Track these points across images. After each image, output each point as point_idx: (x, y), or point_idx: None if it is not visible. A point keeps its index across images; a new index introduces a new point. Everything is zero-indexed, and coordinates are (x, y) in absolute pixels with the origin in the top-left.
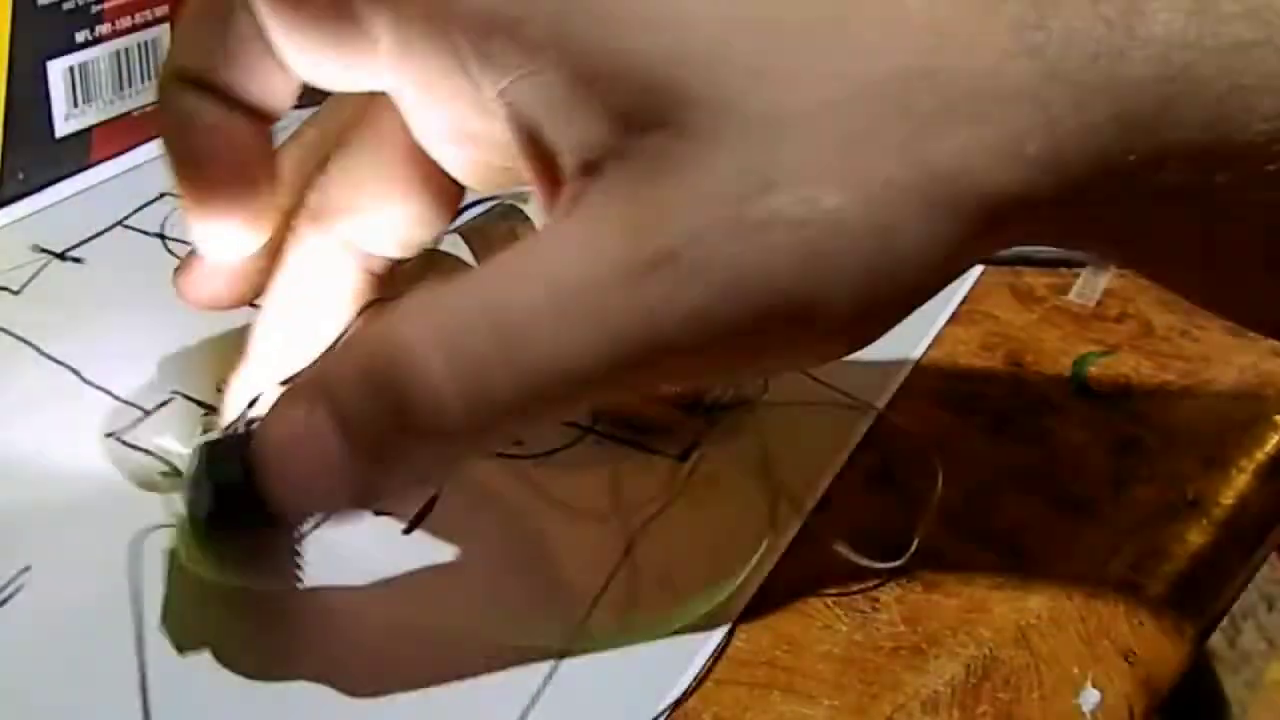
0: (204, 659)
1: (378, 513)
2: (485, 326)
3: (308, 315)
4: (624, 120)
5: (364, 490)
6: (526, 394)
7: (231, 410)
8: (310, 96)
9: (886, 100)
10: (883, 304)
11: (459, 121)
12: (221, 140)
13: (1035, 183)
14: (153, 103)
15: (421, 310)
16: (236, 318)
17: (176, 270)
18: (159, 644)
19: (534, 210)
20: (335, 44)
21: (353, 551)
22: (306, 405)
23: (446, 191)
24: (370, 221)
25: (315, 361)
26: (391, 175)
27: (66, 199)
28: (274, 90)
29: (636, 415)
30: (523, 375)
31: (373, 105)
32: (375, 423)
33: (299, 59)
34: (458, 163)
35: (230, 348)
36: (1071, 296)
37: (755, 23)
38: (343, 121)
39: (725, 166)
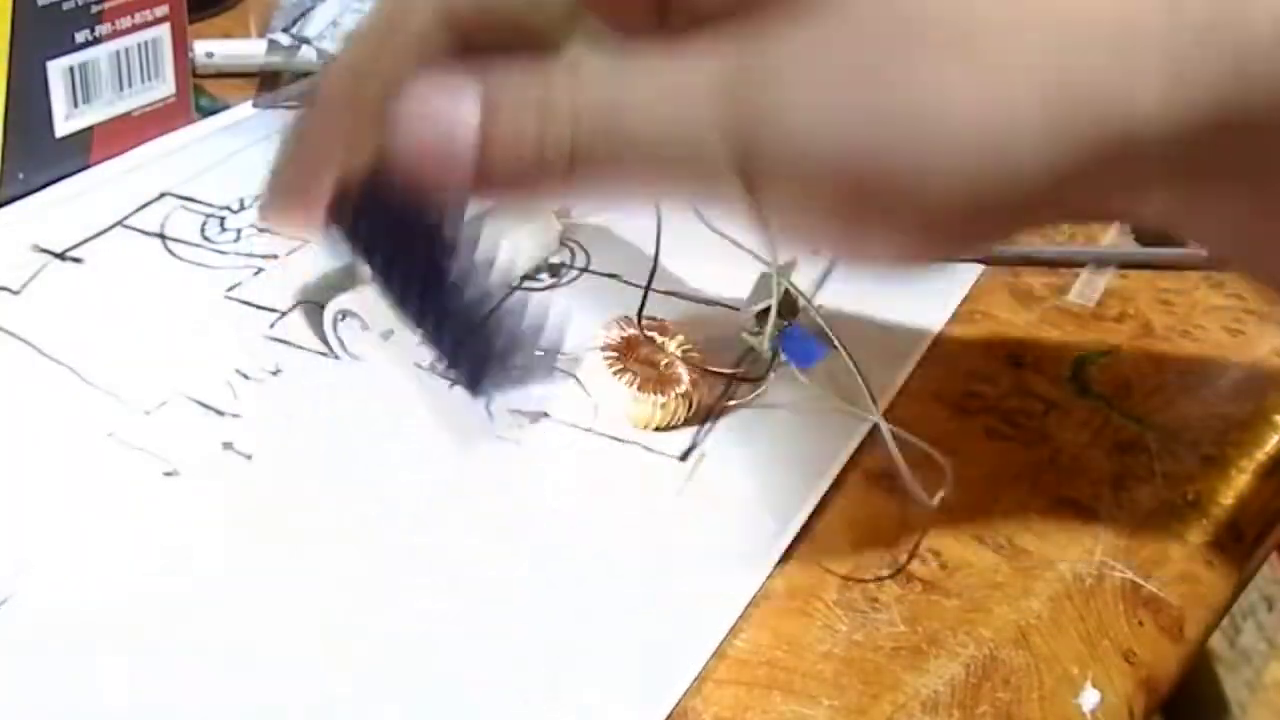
0: None
1: (377, 511)
2: (609, 103)
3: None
4: None
5: (475, 175)
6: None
7: None
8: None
9: (1031, 8)
10: (986, 201)
11: None
12: None
13: (1151, 124)
14: (153, 103)
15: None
16: (233, 320)
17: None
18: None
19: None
20: None
21: (352, 550)
22: (452, 91)
23: None
24: None
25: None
26: None
27: (66, 199)
28: None
29: (636, 415)
30: (620, 132)
31: None
32: (513, 129)
33: None
34: None
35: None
36: (1071, 297)
37: None
38: None
39: (850, 25)
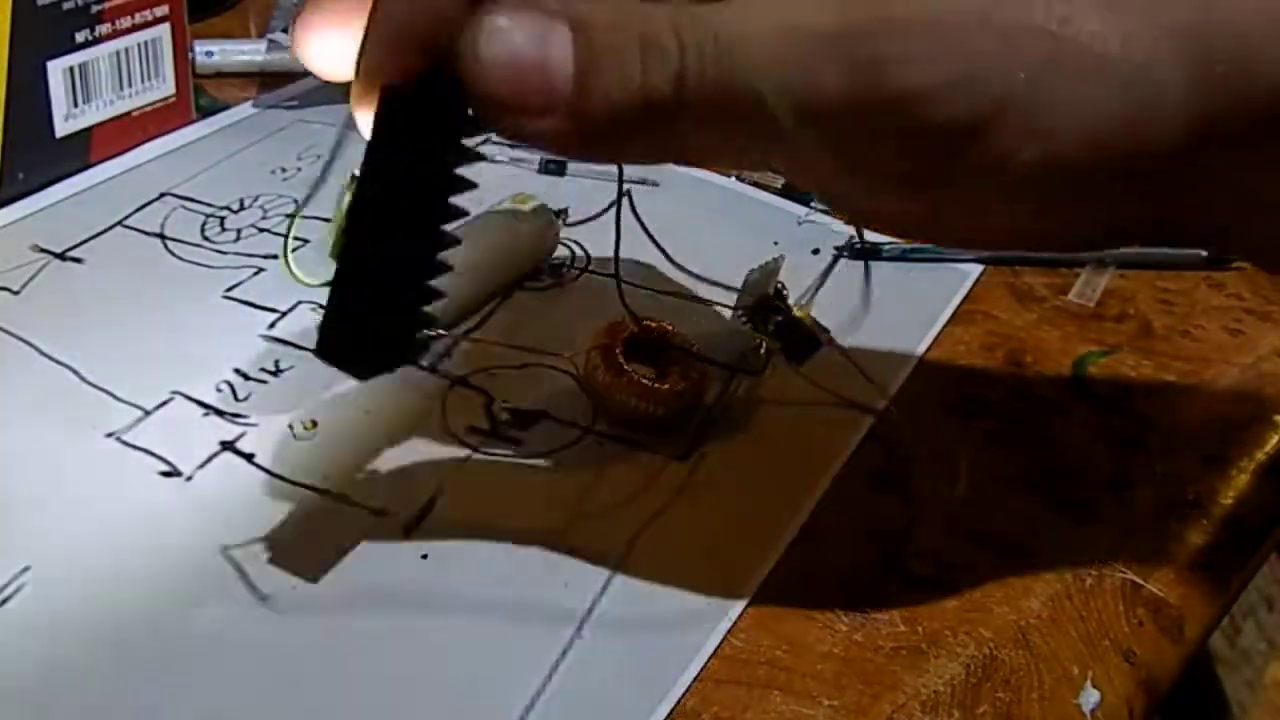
0: None
1: (376, 513)
2: (711, 35)
3: None
4: None
5: (567, 108)
6: (713, 96)
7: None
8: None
9: None
10: (1115, 156)
11: None
12: None
13: None
14: (153, 103)
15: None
16: (233, 320)
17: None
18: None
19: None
20: None
21: (352, 551)
22: (544, 15)
23: None
24: None
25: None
26: None
27: (66, 199)
28: None
29: (636, 415)
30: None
31: None
32: (611, 52)
33: None
34: None
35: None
36: (1071, 297)
37: None
38: None
39: None
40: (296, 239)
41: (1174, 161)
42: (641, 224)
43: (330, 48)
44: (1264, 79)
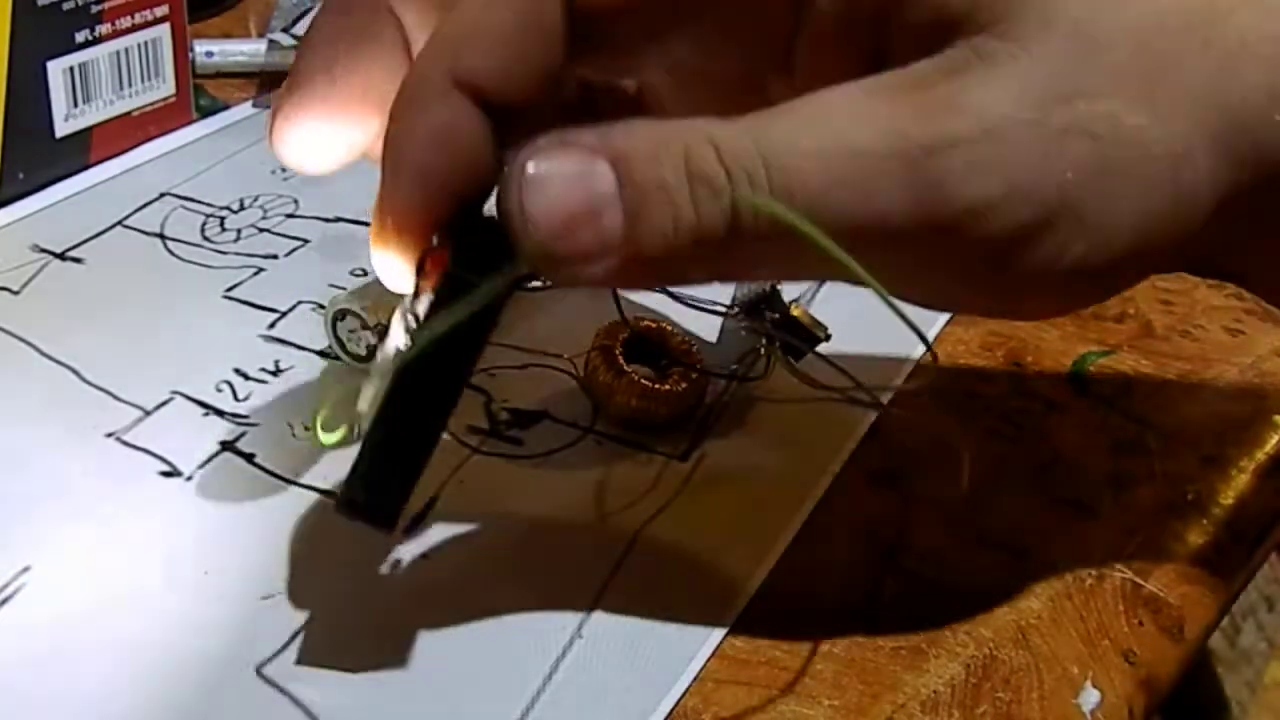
0: None
1: None
2: (759, 160)
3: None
4: (955, 21)
5: (620, 251)
6: (769, 228)
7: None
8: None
9: (1191, 31)
10: (1155, 240)
11: None
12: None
13: None
14: (153, 103)
15: (709, 127)
16: (233, 320)
17: (273, 117)
18: None
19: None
20: None
21: (352, 551)
22: (583, 154)
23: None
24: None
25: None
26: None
27: (66, 199)
28: None
29: (637, 415)
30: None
31: None
32: (659, 189)
33: None
34: None
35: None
36: None
37: None
38: None
39: (1036, 72)
40: (294, 238)
41: (1207, 239)
42: None
43: (314, 142)
44: (1274, 149)
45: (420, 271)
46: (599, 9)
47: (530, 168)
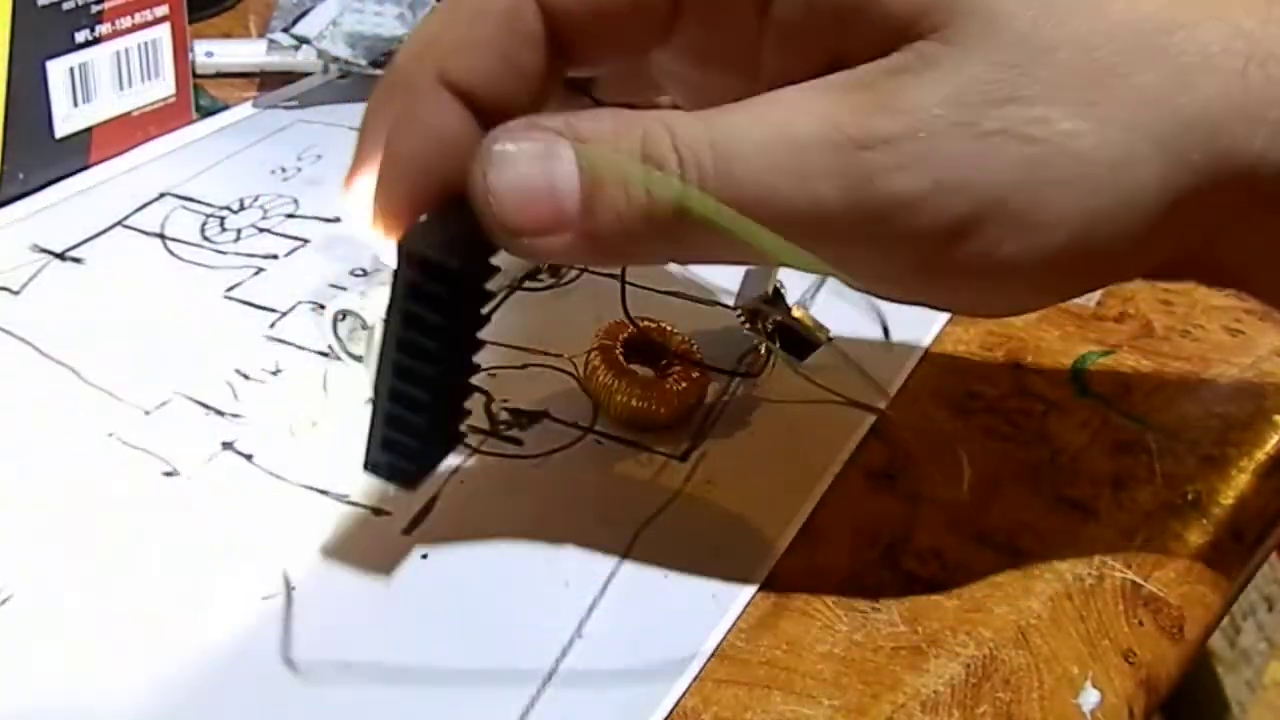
0: None
1: (377, 512)
2: (709, 147)
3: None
4: (903, 26)
5: (576, 227)
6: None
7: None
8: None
9: (1142, 42)
10: (1098, 244)
11: None
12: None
13: (1271, 153)
14: (153, 103)
15: (665, 118)
16: (233, 320)
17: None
18: None
19: None
20: None
21: (352, 551)
22: (548, 136)
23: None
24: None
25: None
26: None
27: (66, 199)
28: None
29: (637, 415)
30: (721, 194)
31: None
32: (613, 169)
33: None
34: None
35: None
36: None
37: None
38: None
39: (972, 75)
40: (294, 238)
41: (1161, 243)
42: None
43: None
44: (1236, 160)
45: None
46: (572, 19)
47: (497, 146)
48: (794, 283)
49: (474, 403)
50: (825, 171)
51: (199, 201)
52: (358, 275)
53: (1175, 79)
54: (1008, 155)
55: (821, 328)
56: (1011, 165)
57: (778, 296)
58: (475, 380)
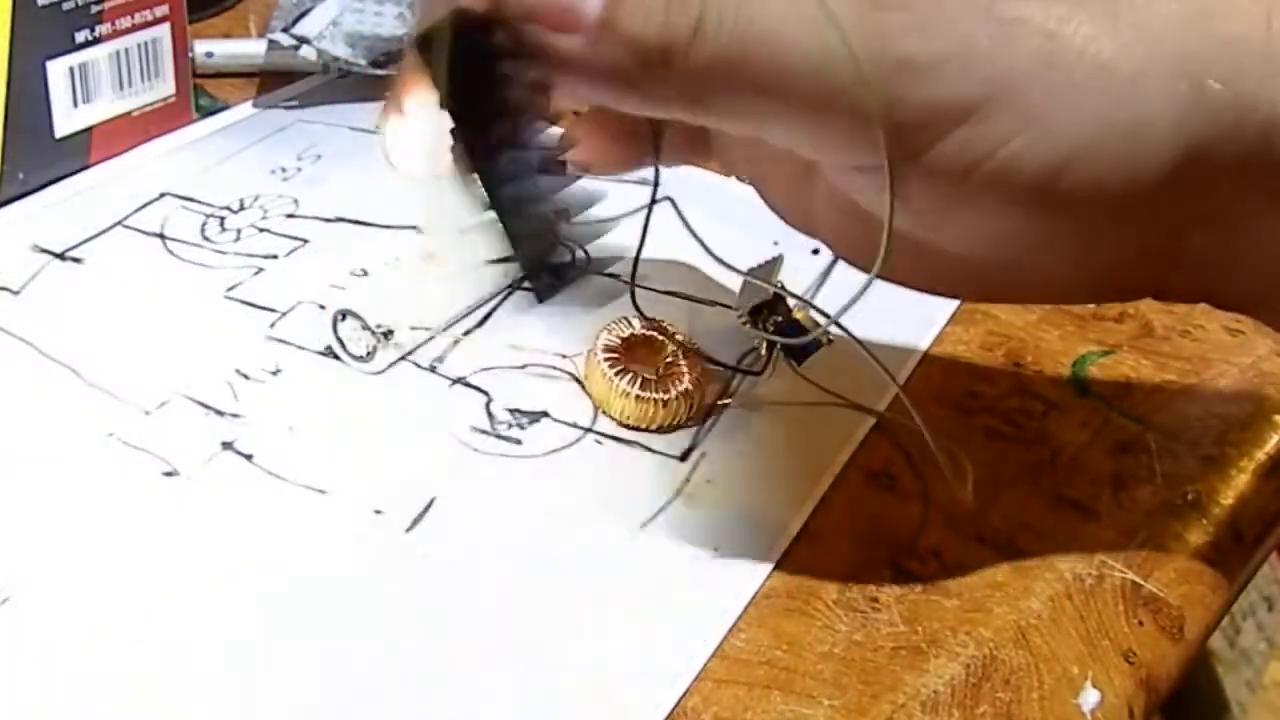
0: None
1: (377, 512)
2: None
3: None
4: None
5: (592, 31)
6: (730, 56)
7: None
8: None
9: None
10: (1103, 167)
11: None
12: None
13: None
14: (153, 103)
15: None
16: (233, 320)
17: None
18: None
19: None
20: None
21: (352, 550)
22: None
23: None
24: None
25: None
26: None
27: (66, 199)
28: None
29: (637, 415)
30: (736, 29)
31: None
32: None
33: None
34: None
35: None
36: None
37: None
38: None
39: None
40: (294, 238)
41: (1166, 184)
42: (644, 225)
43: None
44: (1257, 101)
45: None
46: None
47: None
48: (796, 284)
49: (475, 403)
50: (841, 23)
51: (199, 201)
52: (357, 275)
53: (1202, 12)
54: (1027, 45)
55: (823, 329)
56: (1028, 56)
57: (779, 299)
58: (476, 378)
